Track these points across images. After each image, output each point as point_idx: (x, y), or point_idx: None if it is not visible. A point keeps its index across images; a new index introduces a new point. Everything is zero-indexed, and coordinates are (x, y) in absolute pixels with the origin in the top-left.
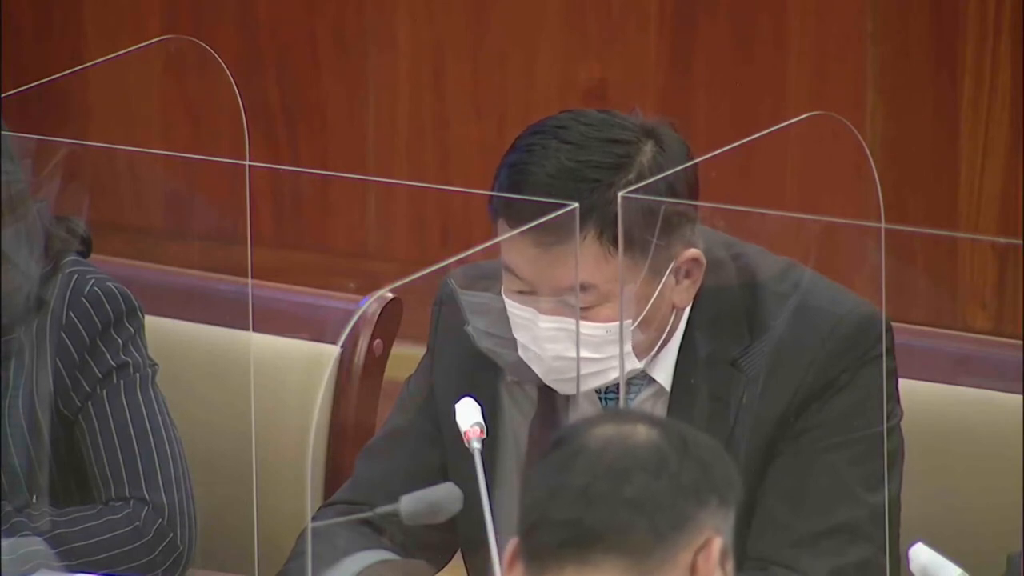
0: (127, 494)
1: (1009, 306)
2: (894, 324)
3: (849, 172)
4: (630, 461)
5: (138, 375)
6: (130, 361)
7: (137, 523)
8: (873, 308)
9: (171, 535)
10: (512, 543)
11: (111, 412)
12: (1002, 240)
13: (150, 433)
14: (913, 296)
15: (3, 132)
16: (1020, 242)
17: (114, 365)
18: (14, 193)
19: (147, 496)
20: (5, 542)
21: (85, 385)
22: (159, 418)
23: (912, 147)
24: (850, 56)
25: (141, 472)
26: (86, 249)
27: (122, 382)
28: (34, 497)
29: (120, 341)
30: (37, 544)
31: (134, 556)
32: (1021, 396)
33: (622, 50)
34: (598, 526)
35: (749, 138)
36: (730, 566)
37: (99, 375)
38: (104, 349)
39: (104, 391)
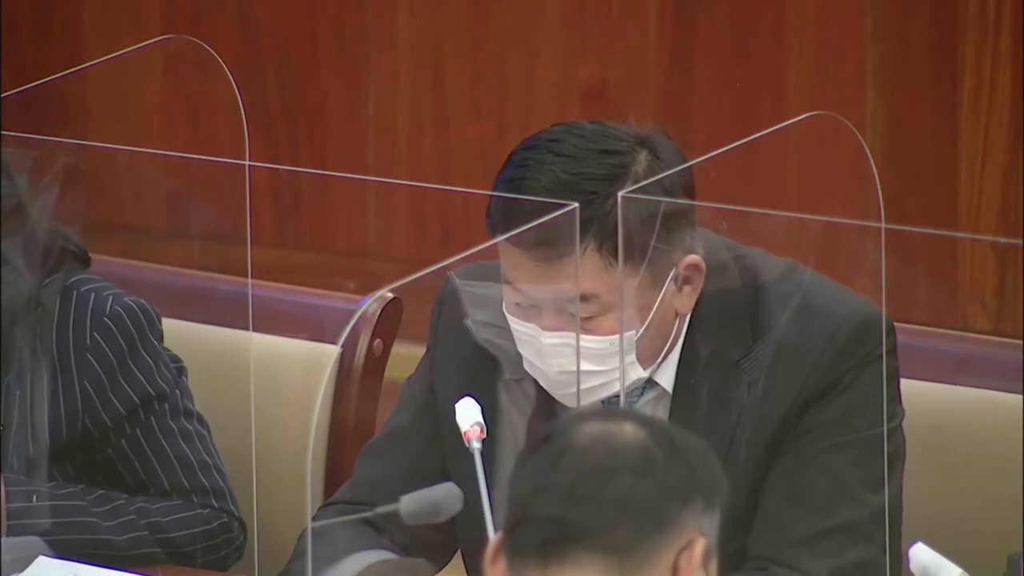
0: (210, 501)
1: (1009, 306)
2: (895, 324)
3: (849, 172)
4: (616, 461)
5: (178, 392)
6: (166, 388)
7: (223, 520)
8: (876, 309)
9: (242, 539)
10: (497, 537)
11: (164, 437)
12: (1002, 240)
13: (207, 448)
14: (913, 296)
15: (3, 135)
16: (1020, 242)
17: (154, 394)
18: (12, 207)
19: (220, 505)
20: (5, 541)
21: (120, 405)
22: (206, 432)
23: (912, 147)
24: (850, 56)
25: (211, 484)
26: (83, 264)
27: (167, 405)
28: (34, 497)
29: (152, 363)
30: (36, 543)
31: (215, 550)
32: (1021, 396)
33: (622, 50)
34: (581, 525)
35: (749, 138)
36: (713, 567)
37: (138, 400)
38: (139, 373)
39: (154, 417)
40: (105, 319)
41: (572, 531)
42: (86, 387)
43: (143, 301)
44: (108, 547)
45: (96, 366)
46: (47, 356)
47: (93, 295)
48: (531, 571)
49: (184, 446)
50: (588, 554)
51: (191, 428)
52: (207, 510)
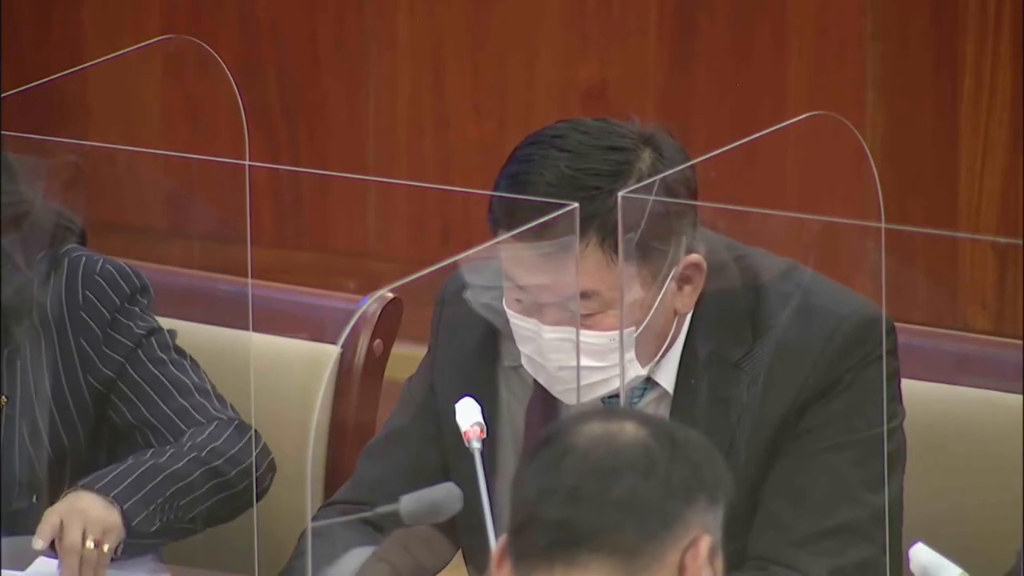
0: (221, 416)
1: (1009, 306)
2: (895, 324)
3: (849, 172)
4: (618, 461)
5: (167, 331)
6: (155, 327)
7: (247, 431)
8: (876, 309)
9: (271, 456)
10: (501, 541)
11: (155, 367)
12: (1002, 240)
13: (199, 374)
14: (913, 296)
15: (4, 137)
16: (1020, 242)
17: (143, 333)
18: (16, 212)
19: (235, 417)
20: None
21: (116, 355)
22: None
23: (912, 147)
24: (850, 56)
25: (216, 400)
26: (82, 242)
27: (155, 340)
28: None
29: (138, 311)
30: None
31: (267, 453)
32: (1021, 396)
33: (622, 50)
34: (586, 527)
35: (749, 138)
36: (719, 564)
37: (131, 344)
38: (127, 321)
39: (142, 351)
40: (96, 277)
41: (577, 533)
42: (82, 344)
43: (136, 268)
44: (187, 490)
45: (90, 323)
46: (45, 327)
47: (84, 259)
48: (537, 574)
49: (185, 375)
50: (594, 556)
51: (185, 361)
52: (238, 421)
